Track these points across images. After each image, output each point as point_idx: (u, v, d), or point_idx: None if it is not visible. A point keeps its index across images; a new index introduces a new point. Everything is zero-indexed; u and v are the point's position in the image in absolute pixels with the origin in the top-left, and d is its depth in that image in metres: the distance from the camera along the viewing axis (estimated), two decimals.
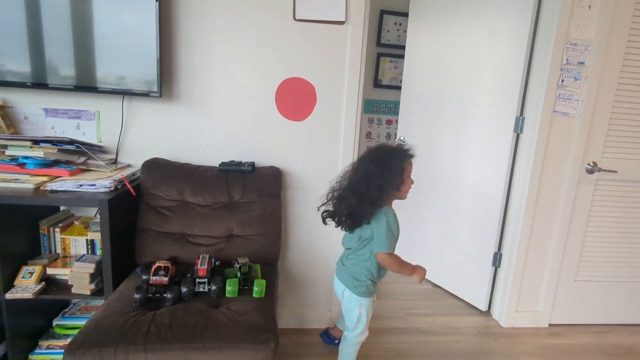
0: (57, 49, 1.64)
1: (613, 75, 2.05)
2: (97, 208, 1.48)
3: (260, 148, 1.93)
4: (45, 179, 1.55)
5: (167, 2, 1.74)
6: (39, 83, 1.66)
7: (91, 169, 1.68)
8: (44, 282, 1.58)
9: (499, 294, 2.36)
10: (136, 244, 1.69)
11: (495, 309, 2.39)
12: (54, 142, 1.59)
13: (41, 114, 1.79)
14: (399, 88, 3.08)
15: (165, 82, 1.81)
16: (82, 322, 1.68)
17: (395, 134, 3.15)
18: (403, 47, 2.91)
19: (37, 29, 1.61)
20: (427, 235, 2.72)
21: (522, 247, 2.22)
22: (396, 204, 1.57)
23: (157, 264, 1.46)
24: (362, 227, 1.51)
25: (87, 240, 1.71)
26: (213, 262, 1.59)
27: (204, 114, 1.87)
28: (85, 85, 1.68)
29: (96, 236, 1.68)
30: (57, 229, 1.70)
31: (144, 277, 1.45)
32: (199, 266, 1.49)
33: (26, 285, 1.55)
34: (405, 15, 2.89)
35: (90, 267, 1.57)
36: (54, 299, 1.59)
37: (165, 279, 1.42)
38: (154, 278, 1.41)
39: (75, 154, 1.68)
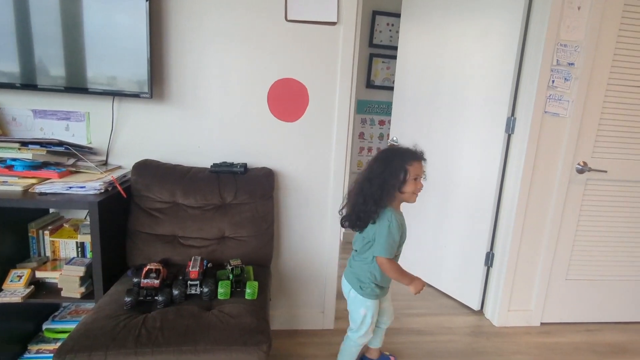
0: (47, 49, 1.62)
1: (602, 76, 2.07)
2: (87, 210, 1.46)
3: (253, 149, 1.92)
4: (33, 181, 1.53)
5: (158, 2, 1.73)
6: (28, 84, 1.64)
7: (81, 170, 1.66)
8: (33, 286, 1.56)
9: (492, 294, 2.37)
10: (127, 247, 1.67)
11: (488, 308, 2.41)
12: (42, 143, 1.56)
13: (30, 115, 1.76)
14: (391, 89, 3.09)
15: (156, 83, 1.79)
16: (72, 326, 1.64)
17: (388, 135, 3.15)
18: (395, 48, 2.92)
19: (26, 29, 1.59)
20: (420, 235, 2.72)
21: (513, 247, 2.24)
22: None
23: (148, 267, 1.44)
24: (368, 227, 1.52)
25: (77, 242, 1.69)
26: (205, 264, 1.58)
27: (196, 115, 1.86)
28: (76, 86, 1.67)
29: (86, 239, 1.66)
30: (47, 232, 1.68)
31: (135, 279, 1.44)
32: (190, 268, 1.48)
33: (15, 289, 1.52)
34: (398, 16, 2.90)
35: (80, 270, 1.55)
36: (44, 302, 1.57)
37: (157, 281, 1.40)
38: (145, 281, 1.40)
39: (65, 155, 1.66)
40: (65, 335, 1.65)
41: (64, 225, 1.74)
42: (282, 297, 2.10)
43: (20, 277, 1.55)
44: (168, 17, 1.76)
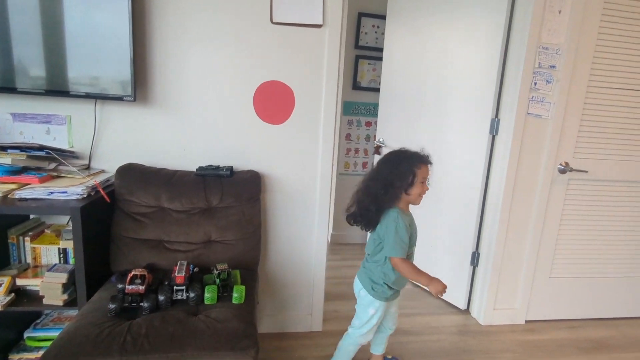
0: (26, 50, 1.58)
1: (583, 78, 2.11)
2: (70, 216, 1.43)
3: (239, 152, 1.91)
4: (13, 186, 1.49)
5: (141, 2, 1.70)
6: (6, 87, 1.59)
7: (62, 175, 1.63)
8: (13, 294, 1.52)
9: (478, 293, 2.40)
10: (111, 252, 1.64)
11: (474, 307, 2.44)
12: (22, 148, 1.53)
13: (9, 119, 1.72)
14: (377, 90, 3.10)
15: (139, 85, 1.77)
16: (54, 334, 1.62)
17: (375, 136, 3.17)
18: (381, 50, 2.93)
19: (4, 29, 1.55)
20: None
21: (498, 247, 2.27)
22: None
23: (133, 272, 1.42)
24: (377, 228, 1.55)
25: (59, 249, 1.65)
26: (191, 268, 1.56)
27: (181, 118, 1.84)
28: (57, 89, 1.63)
29: (68, 245, 1.62)
30: (27, 238, 1.64)
31: (120, 286, 1.41)
32: (176, 273, 1.46)
33: None
34: (383, 17, 2.92)
35: (63, 277, 1.52)
36: (25, 310, 1.53)
37: (142, 287, 1.38)
38: (130, 287, 1.38)
39: (45, 160, 1.62)
40: (47, 344, 1.62)
41: (46, 231, 1.71)
42: (270, 300, 2.09)
43: (0, 284, 1.51)
44: (152, 18, 1.74)
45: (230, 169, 1.80)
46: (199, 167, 1.79)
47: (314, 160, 1.98)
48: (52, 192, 1.48)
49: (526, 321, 2.41)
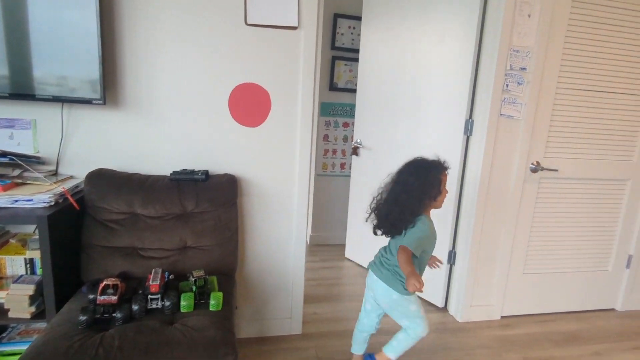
0: None
1: (552, 80, 2.18)
2: (36, 225, 1.37)
3: (214, 155, 1.87)
4: None
5: (109, 1, 1.65)
6: None
7: (28, 182, 1.56)
8: None
9: (455, 291, 2.44)
10: (81, 261, 1.58)
11: (452, 304, 2.48)
12: None
13: None
14: (354, 91, 3.11)
15: (109, 87, 1.71)
16: (22, 347, 1.56)
17: (352, 137, 3.18)
18: (357, 51, 2.95)
19: None
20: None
21: (474, 245, 2.31)
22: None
23: (105, 282, 1.37)
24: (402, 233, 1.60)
25: (25, 259, 1.58)
26: (166, 276, 1.52)
27: (153, 121, 1.79)
28: (21, 92, 1.55)
29: (35, 254, 1.55)
30: None
31: (91, 296, 1.36)
32: (151, 281, 1.42)
33: None
34: (359, 19, 2.93)
35: (30, 289, 1.45)
36: None
37: (114, 297, 1.33)
38: (102, 297, 1.33)
39: (9, 166, 1.55)
40: (15, 358, 1.55)
41: (11, 240, 1.63)
42: (249, 305, 2.07)
43: None
44: (121, 17, 1.68)
45: (206, 172, 1.76)
46: (173, 171, 1.74)
47: (291, 162, 1.96)
48: (16, 200, 1.41)
49: (502, 317, 2.47)
